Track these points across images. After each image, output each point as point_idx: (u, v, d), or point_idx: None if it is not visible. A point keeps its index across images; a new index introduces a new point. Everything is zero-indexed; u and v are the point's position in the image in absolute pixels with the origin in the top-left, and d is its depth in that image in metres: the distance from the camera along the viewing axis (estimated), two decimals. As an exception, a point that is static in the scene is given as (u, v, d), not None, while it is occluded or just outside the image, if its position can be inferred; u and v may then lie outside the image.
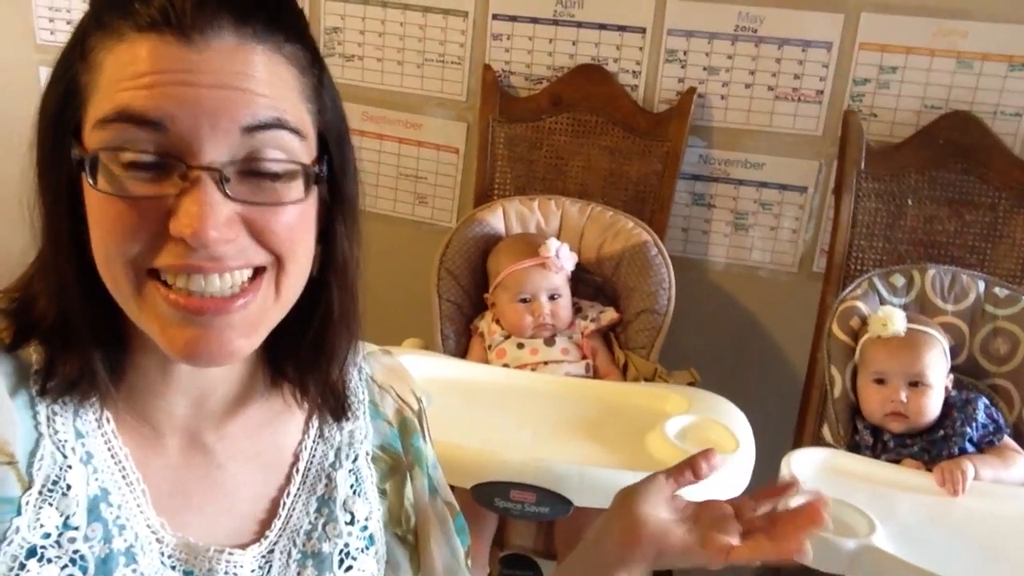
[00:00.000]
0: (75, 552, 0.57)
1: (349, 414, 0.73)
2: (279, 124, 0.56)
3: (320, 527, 0.69)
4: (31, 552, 0.56)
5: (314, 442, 0.72)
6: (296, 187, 0.58)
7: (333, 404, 0.71)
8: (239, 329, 0.57)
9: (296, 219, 0.58)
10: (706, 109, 1.96)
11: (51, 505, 0.57)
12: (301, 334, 0.66)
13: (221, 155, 0.54)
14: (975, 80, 1.81)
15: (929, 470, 1.41)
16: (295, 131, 0.57)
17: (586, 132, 1.99)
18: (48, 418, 0.59)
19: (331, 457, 0.72)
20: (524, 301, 1.72)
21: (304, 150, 0.59)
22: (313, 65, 0.61)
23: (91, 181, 0.54)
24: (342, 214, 0.64)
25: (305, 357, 0.67)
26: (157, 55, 0.54)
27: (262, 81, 0.56)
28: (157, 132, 0.53)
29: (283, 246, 0.58)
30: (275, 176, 0.57)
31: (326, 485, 0.71)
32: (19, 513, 0.56)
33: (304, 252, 0.60)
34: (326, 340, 0.67)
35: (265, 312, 0.59)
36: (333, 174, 0.62)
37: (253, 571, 0.65)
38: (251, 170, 0.56)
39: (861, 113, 1.86)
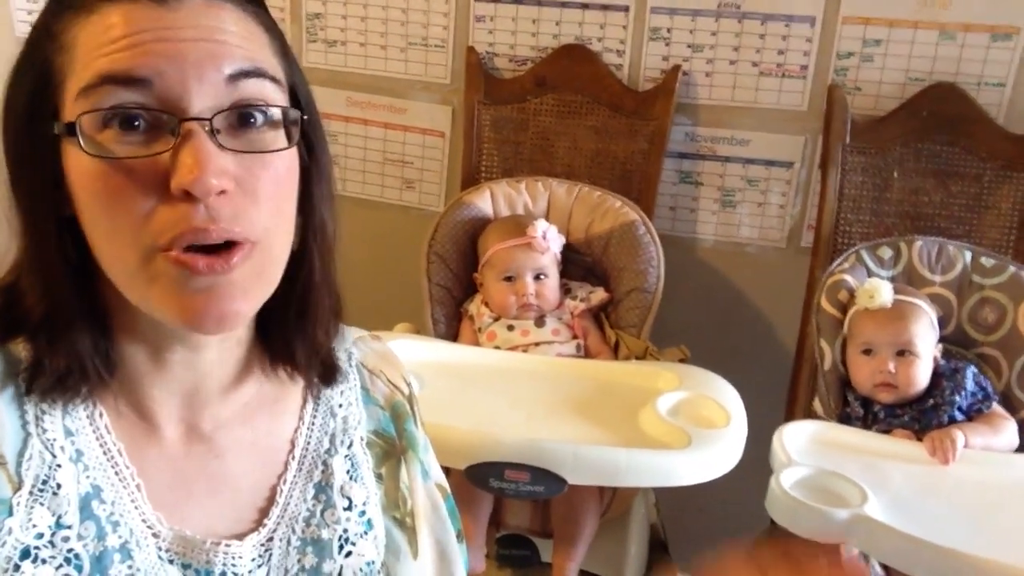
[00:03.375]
0: (69, 551, 0.57)
1: (339, 378, 0.73)
2: (260, 72, 0.57)
3: (318, 513, 0.69)
4: (25, 553, 0.55)
5: (309, 429, 0.72)
6: (280, 136, 0.59)
7: (322, 370, 0.71)
8: (241, 287, 0.57)
9: (284, 172, 0.59)
10: (691, 87, 1.96)
11: (42, 505, 0.57)
12: (285, 302, 0.66)
13: (209, 106, 0.55)
14: (958, 51, 1.81)
15: (919, 439, 1.42)
16: (274, 79, 0.58)
17: (571, 112, 1.98)
18: (36, 417, 0.58)
19: (326, 444, 0.72)
20: (509, 279, 1.73)
21: (283, 99, 0.60)
22: (275, 26, 0.62)
23: (81, 144, 0.54)
24: (319, 178, 0.65)
25: (291, 324, 0.67)
26: (132, 18, 0.54)
27: (237, 34, 0.57)
28: (143, 91, 0.54)
29: (272, 204, 0.58)
30: (260, 126, 0.57)
31: (323, 471, 0.71)
32: (11, 514, 0.56)
33: (288, 215, 0.61)
34: (309, 305, 0.67)
35: (260, 276, 0.59)
36: (307, 133, 0.63)
37: (253, 559, 0.65)
38: (236, 122, 0.56)
39: (845, 87, 1.86)
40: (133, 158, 0.54)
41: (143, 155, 0.54)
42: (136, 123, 0.54)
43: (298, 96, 0.63)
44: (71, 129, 0.54)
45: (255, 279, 0.58)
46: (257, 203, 0.57)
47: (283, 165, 0.59)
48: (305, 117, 0.61)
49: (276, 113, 0.58)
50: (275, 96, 0.58)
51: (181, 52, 0.54)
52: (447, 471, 0.86)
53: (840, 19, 1.85)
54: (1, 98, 0.59)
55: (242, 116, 0.57)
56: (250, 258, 0.57)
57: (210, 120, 0.54)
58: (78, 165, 0.55)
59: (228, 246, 0.56)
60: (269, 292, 0.61)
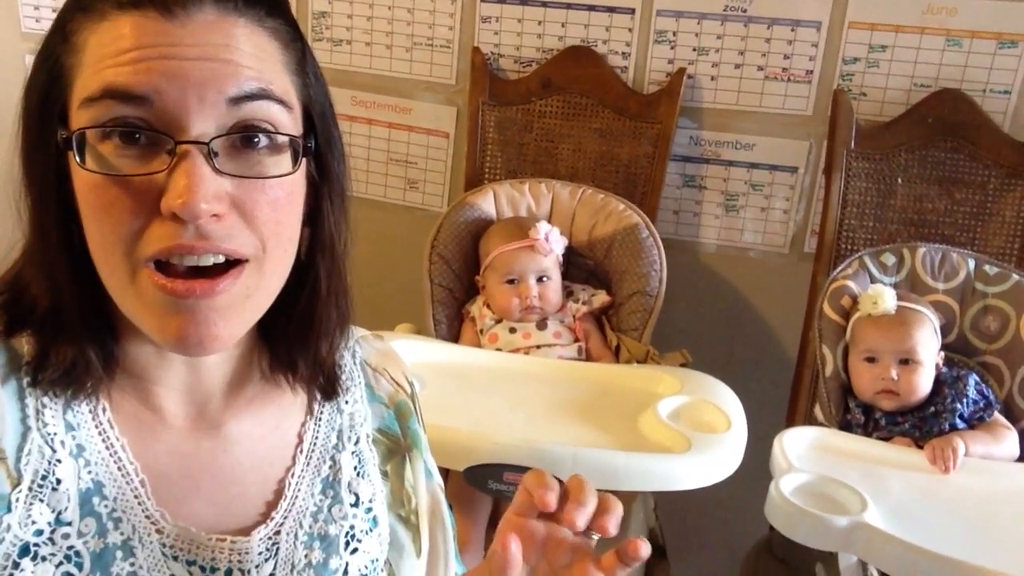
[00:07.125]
0: (69, 548, 0.57)
1: (340, 391, 0.72)
2: (265, 95, 0.56)
3: (326, 509, 0.69)
4: (24, 550, 0.55)
5: (317, 424, 0.72)
6: (284, 160, 0.58)
7: (323, 383, 0.71)
8: (224, 313, 0.56)
9: (283, 196, 0.58)
10: (696, 90, 1.96)
11: (42, 501, 0.57)
12: (288, 312, 0.66)
13: (208, 128, 0.54)
14: (964, 58, 1.81)
15: (920, 447, 1.42)
16: (281, 102, 0.57)
17: (576, 115, 1.98)
18: (37, 411, 0.58)
19: (334, 439, 0.72)
20: (512, 282, 1.73)
21: (291, 122, 0.58)
22: (295, 40, 0.60)
23: (79, 160, 0.54)
24: (329, 193, 0.64)
25: (294, 336, 0.67)
26: (140, 31, 0.53)
27: (246, 53, 0.55)
28: (143, 107, 0.53)
29: (269, 227, 0.57)
30: (262, 149, 0.56)
31: (331, 467, 0.71)
32: (9, 510, 0.55)
33: (289, 235, 0.60)
34: (314, 319, 0.67)
35: (248, 299, 0.58)
36: (319, 150, 0.62)
37: (260, 553, 0.64)
38: (238, 143, 0.56)
39: (851, 92, 1.86)
40: (129, 175, 0.54)
41: (139, 173, 0.54)
42: (136, 136, 0.54)
43: (312, 114, 0.61)
44: (70, 143, 0.54)
45: (242, 301, 0.58)
46: (252, 225, 0.56)
47: (283, 190, 0.58)
48: (315, 142, 0.60)
49: (281, 137, 0.57)
50: (282, 119, 0.57)
51: (183, 71, 0.53)
52: (446, 473, 0.86)
53: (846, 24, 1.85)
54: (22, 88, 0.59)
55: (244, 138, 0.56)
56: (239, 279, 0.57)
57: (207, 144, 0.54)
58: (77, 175, 0.55)
59: (216, 269, 0.55)
60: (257, 315, 0.61)
